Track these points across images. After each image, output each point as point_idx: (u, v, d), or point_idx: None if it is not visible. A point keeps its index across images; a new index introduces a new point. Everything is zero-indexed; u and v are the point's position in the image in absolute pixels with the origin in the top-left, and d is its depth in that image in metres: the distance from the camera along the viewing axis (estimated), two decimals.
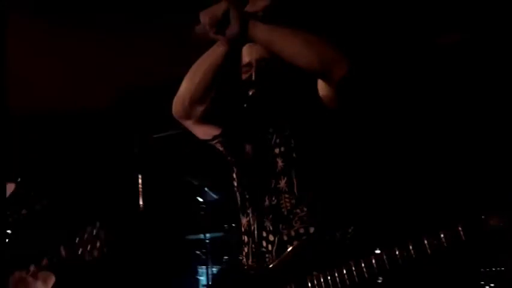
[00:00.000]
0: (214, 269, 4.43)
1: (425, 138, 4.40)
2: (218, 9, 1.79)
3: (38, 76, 4.53)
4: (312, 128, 2.01)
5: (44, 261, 2.74)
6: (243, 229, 2.11)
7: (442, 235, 1.68)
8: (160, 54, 4.19)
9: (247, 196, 2.09)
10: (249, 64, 2.08)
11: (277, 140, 2.06)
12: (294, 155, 2.01)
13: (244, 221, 2.11)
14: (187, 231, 4.87)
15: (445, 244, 1.68)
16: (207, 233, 4.62)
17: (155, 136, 4.23)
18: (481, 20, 4.17)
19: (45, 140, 5.00)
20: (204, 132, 2.17)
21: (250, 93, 2.04)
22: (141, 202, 4.44)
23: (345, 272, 1.82)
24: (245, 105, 2.02)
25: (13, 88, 4.63)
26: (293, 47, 1.84)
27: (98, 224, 2.71)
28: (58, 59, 4.38)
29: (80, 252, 2.67)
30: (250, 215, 2.08)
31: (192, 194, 4.71)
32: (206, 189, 4.47)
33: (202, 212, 4.57)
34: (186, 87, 2.06)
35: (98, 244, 2.67)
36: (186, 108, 2.07)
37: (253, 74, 2.05)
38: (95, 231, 2.69)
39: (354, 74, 1.83)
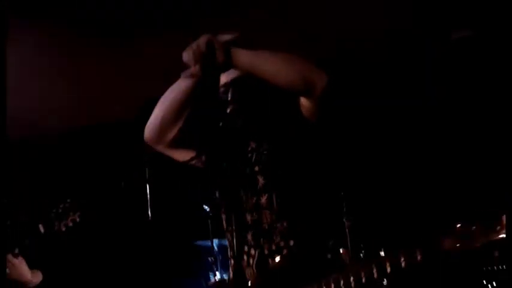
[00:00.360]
0: (225, 275, 4.49)
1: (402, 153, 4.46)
2: (200, 44, 1.85)
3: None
4: (291, 144, 2.05)
5: (26, 241, 2.96)
6: (228, 244, 2.14)
7: (401, 257, 1.72)
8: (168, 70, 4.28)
9: (228, 212, 2.12)
10: (226, 84, 2.12)
11: (257, 158, 2.10)
12: (274, 172, 2.05)
13: (228, 236, 2.14)
14: (195, 238, 4.93)
15: (402, 265, 1.71)
16: (215, 239, 4.70)
17: None
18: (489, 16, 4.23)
19: (57, 150, 5.08)
20: (179, 155, 2.23)
21: (228, 111, 2.07)
22: (149, 211, 4.53)
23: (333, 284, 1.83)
24: (221, 124, 2.04)
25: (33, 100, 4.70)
26: (274, 68, 1.90)
27: (69, 199, 3.00)
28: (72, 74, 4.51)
29: (56, 225, 2.94)
30: (232, 230, 2.09)
31: (199, 201, 4.78)
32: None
33: (209, 219, 4.66)
34: (157, 113, 2.12)
35: (71, 214, 2.98)
36: (157, 133, 2.14)
37: (230, 94, 2.09)
38: (67, 205, 2.98)
39: (333, 86, 1.89)
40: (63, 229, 2.96)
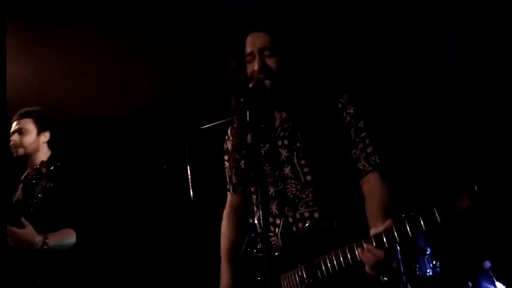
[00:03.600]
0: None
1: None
2: None
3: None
4: (316, 117, 2.10)
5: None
6: (255, 218, 2.22)
7: (420, 218, 1.72)
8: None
9: (255, 189, 2.17)
10: (251, 53, 2.12)
11: (281, 133, 2.17)
12: (298, 144, 2.10)
13: (255, 209, 2.16)
14: None
15: (423, 226, 1.72)
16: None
17: (202, 127, 4.42)
18: None
19: (104, 134, 5.21)
20: None
21: (251, 85, 2.06)
22: (191, 191, 4.65)
23: (348, 253, 1.89)
24: (242, 99, 2.01)
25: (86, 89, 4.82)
26: None
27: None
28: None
29: (47, 185, 3.01)
30: (260, 206, 2.17)
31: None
32: None
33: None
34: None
35: (45, 180, 3.02)
36: None
37: (257, 64, 2.09)
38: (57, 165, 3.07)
39: None
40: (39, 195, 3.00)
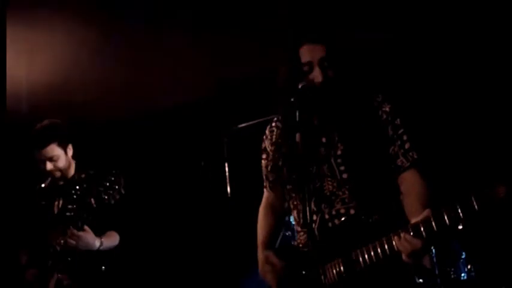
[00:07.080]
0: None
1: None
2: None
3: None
4: (353, 116, 2.18)
5: (84, 215, 3.11)
6: (293, 215, 2.31)
7: (458, 207, 1.76)
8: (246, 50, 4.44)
9: (293, 185, 2.25)
10: (309, 63, 2.21)
11: (320, 132, 2.25)
12: (335, 143, 2.18)
13: (292, 207, 2.31)
14: None
15: (460, 215, 1.76)
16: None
17: (240, 126, 4.50)
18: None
19: (141, 132, 5.32)
20: None
21: (300, 86, 2.14)
22: (228, 189, 4.72)
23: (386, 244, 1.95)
24: (292, 99, 2.11)
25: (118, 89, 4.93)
26: None
27: (114, 171, 3.11)
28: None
29: (105, 198, 3.08)
30: (297, 203, 2.26)
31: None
32: None
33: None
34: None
35: (117, 187, 3.10)
36: None
37: (321, 76, 2.18)
38: (113, 178, 3.10)
39: None
40: (112, 202, 3.11)
